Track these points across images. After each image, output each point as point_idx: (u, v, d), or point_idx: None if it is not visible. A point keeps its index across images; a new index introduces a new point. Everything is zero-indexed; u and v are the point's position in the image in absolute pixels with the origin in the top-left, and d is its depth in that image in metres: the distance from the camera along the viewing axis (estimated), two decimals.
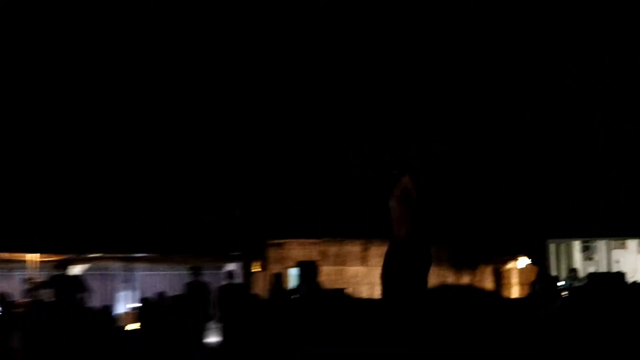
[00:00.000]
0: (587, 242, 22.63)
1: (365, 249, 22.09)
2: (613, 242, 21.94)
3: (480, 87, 26.41)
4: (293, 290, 17.47)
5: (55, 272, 16.84)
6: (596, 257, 22.31)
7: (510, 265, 22.60)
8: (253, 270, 22.21)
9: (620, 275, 15.82)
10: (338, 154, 26.48)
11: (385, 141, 24.56)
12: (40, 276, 19.99)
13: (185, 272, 20.11)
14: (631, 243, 21.83)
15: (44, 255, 20.75)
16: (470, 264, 22.48)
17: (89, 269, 22.01)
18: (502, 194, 24.08)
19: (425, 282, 8.54)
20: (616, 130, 25.74)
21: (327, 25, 26.57)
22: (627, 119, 25.58)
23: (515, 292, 21.93)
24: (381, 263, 21.12)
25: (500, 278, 22.63)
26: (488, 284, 22.26)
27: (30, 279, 20.19)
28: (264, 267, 21.92)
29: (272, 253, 21.97)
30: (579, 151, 25.55)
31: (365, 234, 21.82)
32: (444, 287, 16.35)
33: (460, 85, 26.36)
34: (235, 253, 21.94)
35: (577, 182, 23.57)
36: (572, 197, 22.70)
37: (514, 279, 22.52)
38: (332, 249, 21.72)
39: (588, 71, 25.64)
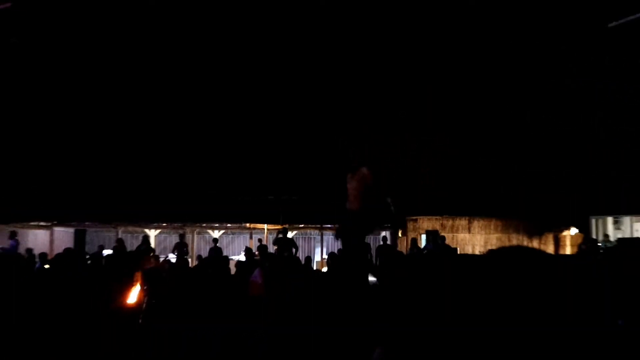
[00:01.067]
0: (617, 217, 22.11)
1: (470, 222, 22.30)
2: (634, 218, 21.49)
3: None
4: (423, 248, 18.90)
5: (278, 235, 17.97)
6: (622, 227, 21.98)
7: (565, 233, 22.43)
8: (398, 236, 22.59)
9: (637, 239, 16.75)
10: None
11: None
12: (268, 238, 21.41)
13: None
14: None
15: (270, 224, 21.99)
16: (538, 232, 22.27)
17: (297, 234, 23.36)
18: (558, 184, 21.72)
19: (364, 243, 8.38)
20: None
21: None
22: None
23: (568, 250, 21.69)
24: (480, 233, 22.23)
25: (558, 241, 22.52)
26: (550, 246, 22.24)
27: (260, 239, 21.25)
28: (404, 234, 22.26)
29: (410, 224, 22.30)
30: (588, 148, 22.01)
31: (470, 212, 22.07)
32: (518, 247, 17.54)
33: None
34: (387, 224, 21.70)
35: (608, 174, 21.32)
36: (606, 186, 21.04)
37: (568, 242, 22.35)
38: (448, 222, 22.05)
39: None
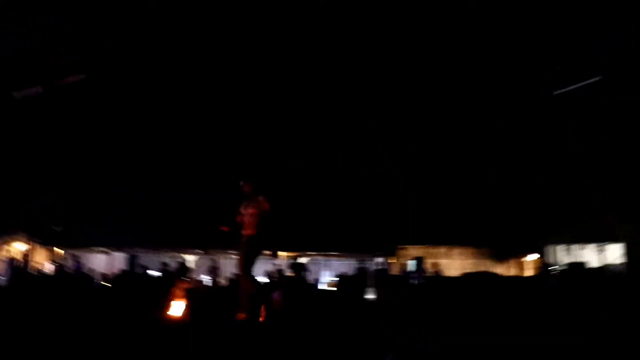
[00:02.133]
0: (566, 245, 21.17)
1: (449, 250, 22.33)
2: (579, 245, 20.65)
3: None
4: (411, 272, 19.38)
5: (292, 261, 19.30)
6: (571, 253, 20.97)
7: (525, 258, 22.51)
8: (389, 261, 22.34)
9: (582, 263, 16.92)
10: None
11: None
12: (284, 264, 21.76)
13: (355, 261, 20.92)
14: (589, 246, 20.31)
15: (287, 252, 20.99)
16: (503, 258, 22.14)
17: (309, 260, 22.06)
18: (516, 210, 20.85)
19: (252, 264, 7.46)
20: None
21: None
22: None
23: (528, 272, 21.65)
24: (458, 260, 21.65)
25: (521, 265, 22.54)
26: (513, 269, 22.21)
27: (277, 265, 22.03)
28: (396, 259, 22.12)
29: (400, 252, 22.18)
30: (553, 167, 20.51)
31: (449, 242, 22.18)
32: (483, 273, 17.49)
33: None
34: (380, 252, 22.15)
35: (559, 203, 20.18)
36: (558, 219, 20.24)
37: (528, 266, 22.34)
38: (432, 250, 21.63)
39: (562, 81, 18.60)
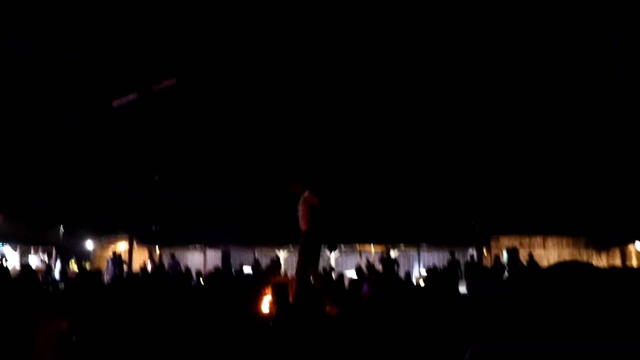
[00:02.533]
0: None
1: (544, 239, 21.47)
2: None
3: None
4: (504, 264, 18.74)
5: (382, 255, 18.68)
6: None
7: (630, 246, 21.03)
8: (482, 253, 21.79)
9: None
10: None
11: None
12: (375, 256, 20.96)
13: (447, 253, 20.53)
14: None
15: (376, 245, 21.46)
16: (603, 247, 21.05)
17: (399, 252, 22.13)
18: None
19: (311, 258, 7.56)
20: None
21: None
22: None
23: (634, 263, 20.35)
24: (554, 249, 20.68)
25: (625, 254, 21.24)
26: (617, 259, 21.06)
27: (368, 259, 20.54)
28: (488, 251, 21.50)
29: (493, 242, 21.57)
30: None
31: (544, 231, 21.34)
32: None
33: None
34: (473, 243, 21.60)
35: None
36: None
37: (634, 255, 21.01)
38: (525, 240, 21.04)
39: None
